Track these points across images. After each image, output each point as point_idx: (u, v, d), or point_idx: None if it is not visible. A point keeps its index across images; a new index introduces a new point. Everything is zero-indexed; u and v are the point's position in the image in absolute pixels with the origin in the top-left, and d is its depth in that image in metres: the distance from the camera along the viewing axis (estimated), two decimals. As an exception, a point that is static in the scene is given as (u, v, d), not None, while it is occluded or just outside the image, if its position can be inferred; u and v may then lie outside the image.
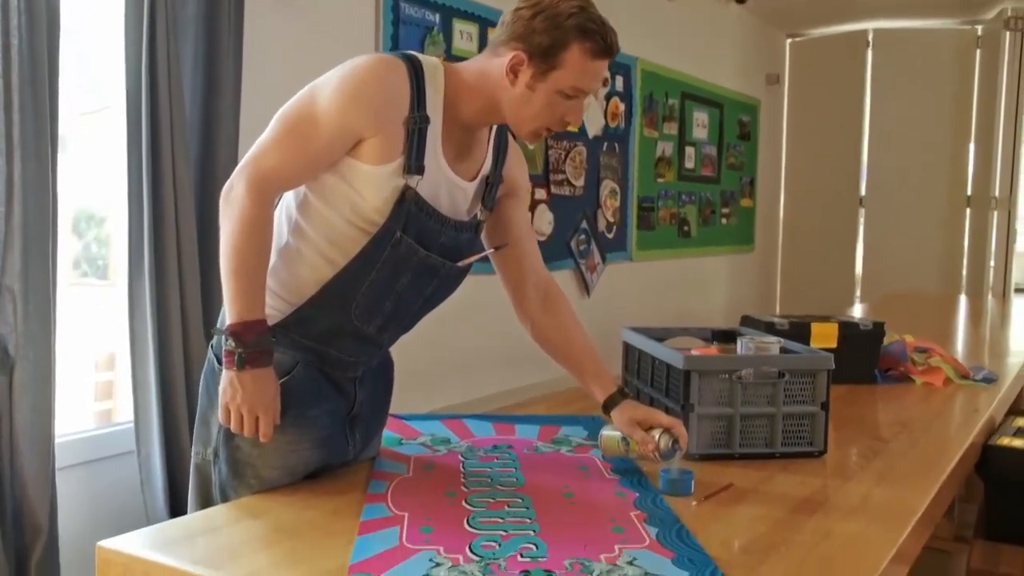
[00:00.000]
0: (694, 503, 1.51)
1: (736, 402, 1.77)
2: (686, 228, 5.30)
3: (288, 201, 1.55)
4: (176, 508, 2.60)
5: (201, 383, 1.62)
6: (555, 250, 4.12)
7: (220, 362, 1.54)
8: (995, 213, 5.59)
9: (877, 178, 6.13)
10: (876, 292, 5.79)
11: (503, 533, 1.35)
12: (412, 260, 1.52)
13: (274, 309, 1.52)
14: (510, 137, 1.72)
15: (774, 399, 1.79)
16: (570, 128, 4.02)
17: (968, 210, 5.83)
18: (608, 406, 1.70)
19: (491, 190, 1.66)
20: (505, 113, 1.54)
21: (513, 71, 1.50)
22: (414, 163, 1.48)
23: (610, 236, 4.58)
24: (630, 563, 1.25)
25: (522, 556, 1.27)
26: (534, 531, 1.36)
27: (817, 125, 6.31)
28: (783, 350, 1.88)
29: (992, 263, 5.57)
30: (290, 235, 1.54)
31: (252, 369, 1.43)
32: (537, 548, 1.30)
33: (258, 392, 1.44)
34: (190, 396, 2.58)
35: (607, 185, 4.51)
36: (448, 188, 1.56)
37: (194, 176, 2.58)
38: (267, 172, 1.44)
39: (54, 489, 2.23)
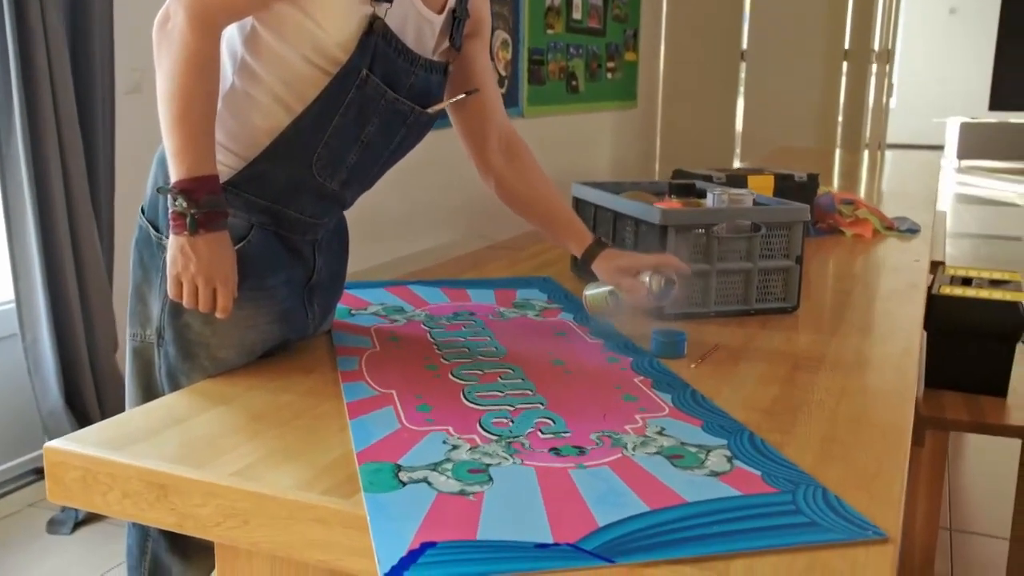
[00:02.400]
0: (693, 366, 1.42)
1: (712, 258, 1.68)
2: (574, 83, 5.14)
3: (231, 35, 1.30)
4: (72, 396, 2.35)
5: (132, 254, 1.38)
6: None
7: (158, 228, 1.32)
8: (873, 67, 5.65)
9: (758, 32, 6.09)
10: (755, 148, 5.84)
11: (510, 408, 1.22)
12: (379, 104, 1.32)
13: (222, 164, 1.29)
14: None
15: (750, 254, 1.70)
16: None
17: (845, 64, 5.88)
18: (588, 259, 1.58)
19: (458, 25, 1.45)
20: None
21: None
22: (383, -12, 1.26)
23: (502, 91, 4.38)
24: (660, 433, 1.15)
25: (542, 432, 1.14)
26: (542, 404, 1.24)
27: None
28: (755, 203, 1.79)
29: (869, 118, 5.67)
30: (236, 76, 1.30)
31: (206, 233, 1.22)
32: (555, 423, 1.18)
33: (214, 259, 1.23)
34: (79, 271, 2.30)
35: (499, 36, 4.28)
36: (416, 21, 1.35)
37: (65, 15, 2.23)
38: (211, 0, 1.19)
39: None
